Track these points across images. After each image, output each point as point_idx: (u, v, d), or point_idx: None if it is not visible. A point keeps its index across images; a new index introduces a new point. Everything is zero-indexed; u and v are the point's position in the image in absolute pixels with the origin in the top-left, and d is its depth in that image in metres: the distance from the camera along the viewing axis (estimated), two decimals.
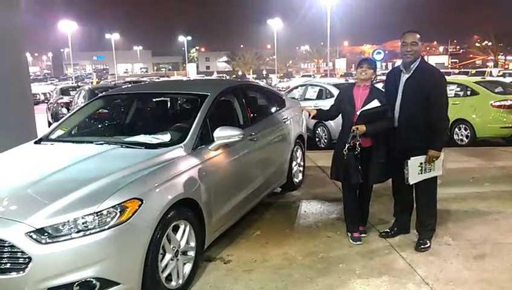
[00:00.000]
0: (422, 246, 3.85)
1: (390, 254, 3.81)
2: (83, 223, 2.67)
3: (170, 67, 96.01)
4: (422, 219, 3.96)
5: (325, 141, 9.39)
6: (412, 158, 3.71)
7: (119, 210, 2.76)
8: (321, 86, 10.31)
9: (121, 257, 2.76)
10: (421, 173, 3.76)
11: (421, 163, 3.73)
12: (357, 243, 4.02)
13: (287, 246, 4.03)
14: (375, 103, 3.77)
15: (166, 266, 3.08)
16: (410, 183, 3.81)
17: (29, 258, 2.57)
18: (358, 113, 3.83)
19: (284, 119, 5.46)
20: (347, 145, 3.77)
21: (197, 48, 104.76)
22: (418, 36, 3.76)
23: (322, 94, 9.99)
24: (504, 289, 3.21)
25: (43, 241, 2.59)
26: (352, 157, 3.77)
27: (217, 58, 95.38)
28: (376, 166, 3.88)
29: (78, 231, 2.65)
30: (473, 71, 35.06)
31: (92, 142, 3.79)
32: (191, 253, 3.36)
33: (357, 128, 3.74)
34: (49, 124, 13.74)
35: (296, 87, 11.79)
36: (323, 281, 3.37)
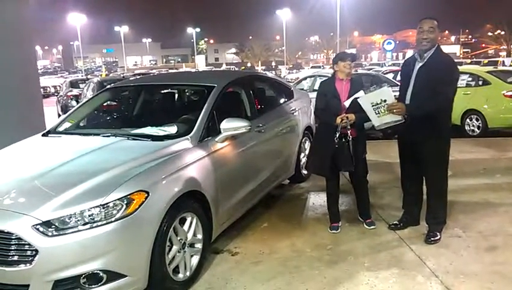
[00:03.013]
0: (432, 239, 3.80)
1: (399, 247, 3.77)
2: (89, 216, 2.67)
3: (179, 60, 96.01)
4: (432, 210, 3.90)
5: None
6: (385, 88, 3.60)
7: (125, 202, 2.75)
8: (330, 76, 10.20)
9: (128, 249, 2.76)
10: (370, 107, 3.63)
11: (383, 101, 3.58)
12: (333, 231, 4.10)
13: (294, 237, 4.02)
14: (362, 93, 3.82)
15: (173, 258, 3.08)
16: (360, 102, 3.71)
17: (36, 251, 2.57)
18: (348, 102, 3.87)
19: (292, 110, 5.41)
20: (337, 134, 3.84)
21: (206, 39, 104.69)
22: (436, 23, 3.64)
23: None
24: None
25: (50, 233, 2.60)
26: (344, 145, 3.86)
27: (225, 50, 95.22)
28: (361, 159, 4.01)
29: (85, 224, 2.65)
30: (485, 61, 34.50)
31: (98, 134, 3.79)
32: (198, 245, 3.35)
33: (347, 118, 3.81)
34: (59, 116, 13.86)
35: (305, 78, 11.72)
36: (331, 274, 3.35)
